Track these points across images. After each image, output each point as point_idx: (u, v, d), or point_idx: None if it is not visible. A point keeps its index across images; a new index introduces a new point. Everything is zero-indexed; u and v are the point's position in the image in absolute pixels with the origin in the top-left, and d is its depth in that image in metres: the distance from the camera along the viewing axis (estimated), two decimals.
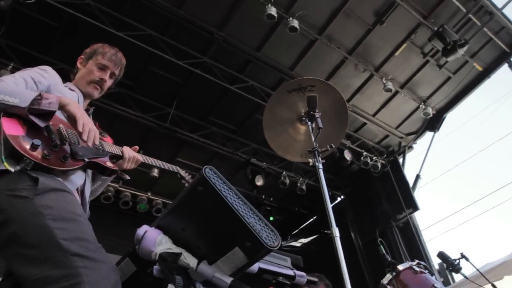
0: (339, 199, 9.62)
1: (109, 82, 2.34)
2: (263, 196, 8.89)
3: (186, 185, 2.68)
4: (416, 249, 7.74)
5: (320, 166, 2.94)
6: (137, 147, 2.32)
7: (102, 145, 2.05)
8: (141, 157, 2.29)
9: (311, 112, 2.99)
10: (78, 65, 2.36)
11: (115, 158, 2.15)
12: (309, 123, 3.01)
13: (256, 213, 1.62)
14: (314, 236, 9.78)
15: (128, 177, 2.41)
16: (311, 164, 3.02)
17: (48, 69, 2.08)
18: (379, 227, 8.02)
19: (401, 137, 8.67)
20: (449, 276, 7.11)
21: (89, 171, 2.06)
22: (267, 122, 3.27)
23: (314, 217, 9.87)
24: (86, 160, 1.86)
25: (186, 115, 7.64)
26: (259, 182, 7.75)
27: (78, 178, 1.88)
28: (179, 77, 7.11)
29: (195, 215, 1.68)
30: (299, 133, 3.26)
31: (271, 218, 8.85)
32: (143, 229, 1.79)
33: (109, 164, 2.03)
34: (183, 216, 1.71)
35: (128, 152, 2.19)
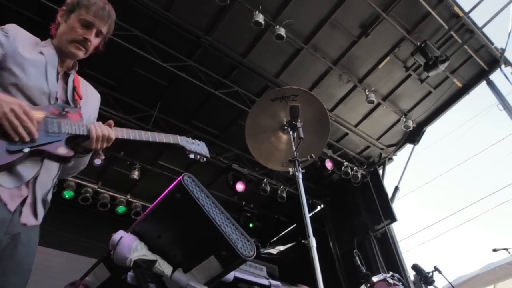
0: (319, 207, 9.68)
1: (95, 42, 1.99)
2: (244, 203, 8.88)
3: (199, 158, 2.40)
4: (393, 260, 7.83)
5: (300, 176, 2.96)
6: (111, 121, 1.93)
7: (59, 125, 1.74)
8: (114, 133, 1.87)
9: (293, 122, 3.01)
10: (59, 18, 1.99)
11: (80, 138, 1.82)
12: (291, 132, 3.03)
13: (233, 222, 1.62)
14: (291, 244, 9.80)
15: (102, 156, 2.30)
16: (291, 173, 3.04)
17: (10, 30, 1.82)
18: (357, 237, 8.10)
19: (382, 149, 8.79)
20: None
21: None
22: (249, 129, 3.27)
23: (294, 225, 9.90)
24: (25, 151, 1.60)
25: (170, 118, 7.59)
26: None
27: (27, 171, 1.63)
28: (164, 79, 7.07)
29: (172, 222, 1.68)
30: (281, 142, 3.27)
31: (251, 225, 8.84)
32: (119, 234, 1.77)
33: (61, 151, 1.72)
34: (160, 223, 1.70)
35: (97, 130, 1.80)
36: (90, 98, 2.12)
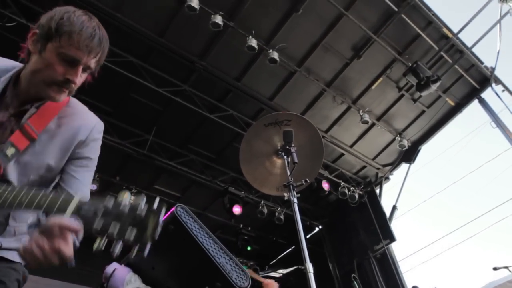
0: (317, 229, 9.62)
1: (81, 79, 1.51)
2: (241, 226, 8.82)
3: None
4: (393, 280, 7.75)
5: (295, 200, 2.96)
6: (76, 228, 1.19)
7: None
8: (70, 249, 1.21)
9: (287, 147, 3.03)
10: (30, 46, 1.47)
11: None
12: (285, 157, 3.05)
13: (227, 252, 1.62)
14: (293, 268, 9.69)
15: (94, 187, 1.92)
16: (286, 198, 3.04)
17: None
18: (356, 258, 8.03)
19: (378, 168, 8.81)
20: None
21: None
22: (243, 154, 3.29)
23: (292, 247, 9.81)
24: None
25: (165, 142, 7.61)
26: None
27: None
28: (159, 104, 7.12)
29: (166, 254, 1.66)
30: (275, 166, 3.28)
31: (249, 248, 8.75)
32: (112, 267, 1.76)
33: None
34: (153, 255, 1.69)
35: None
36: (61, 134, 1.54)
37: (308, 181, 2.99)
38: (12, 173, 1.41)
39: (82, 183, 1.58)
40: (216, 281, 1.57)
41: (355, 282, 2.98)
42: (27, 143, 1.44)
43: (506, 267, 5.39)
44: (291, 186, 2.84)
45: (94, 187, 6.73)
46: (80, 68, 1.45)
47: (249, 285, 1.59)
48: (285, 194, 3.01)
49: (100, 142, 1.71)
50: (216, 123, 7.09)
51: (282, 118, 3.18)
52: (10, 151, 1.40)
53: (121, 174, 7.90)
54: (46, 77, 1.42)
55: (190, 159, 7.82)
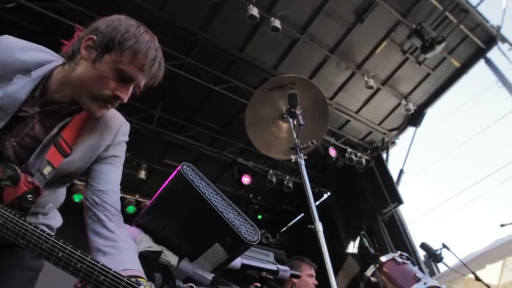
0: (325, 196, 9.72)
1: (126, 97, 1.44)
2: (251, 195, 8.95)
3: None
4: (402, 242, 7.86)
5: (303, 162, 3.00)
6: None
7: None
8: None
9: (292, 109, 3.05)
10: (83, 51, 1.37)
11: None
12: (291, 120, 3.07)
13: (235, 208, 1.67)
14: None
15: None
16: (293, 160, 3.08)
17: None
18: (365, 222, 8.14)
19: (384, 133, 8.80)
20: (434, 267, 7.26)
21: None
22: (249, 120, 3.31)
23: (302, 214, 9.95)
24: None
25: (172, 117, 7.65)
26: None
27: None
28: (164, 79, 7.02)
29: (175, 213, 1.72)
30: (282, 130, 3.30)
31: (259, 217, 8.92)
32: None
33: None
34: (163, 214, 1.74)
35: None
36: (89, 141, 1.52)
37: (315, 142, 3.02)
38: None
39: (110, 179, 1.56)
40: (226, 237, 1.62)
41: (364, 239, 3.04)
42: (61, 159, 1.41)
43: None
44: (298, 149, 2.88)
45: None
46: (132, 86, 1.41)
47: (258, 240, 1.64)
48: (292, 157, 3.06)
49: (125, 144, 1.70)
50: (221, 95, 7.09)
51: (286, 81, 3.19)
52: (47, 170, 1.37)
53: (131, 151, 7.97)
54: (94, 89, 1.35)
55: (197, 132, 7.87)
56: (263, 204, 9.08)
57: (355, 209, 8.67)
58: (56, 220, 1.74)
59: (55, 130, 1.42)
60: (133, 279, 1.15)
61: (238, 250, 1.66)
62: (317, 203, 9.67)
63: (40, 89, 1.41)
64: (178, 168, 1.65)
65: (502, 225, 5.58)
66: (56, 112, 1.44)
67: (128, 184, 8.41)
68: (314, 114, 3.30)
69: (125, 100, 1.42)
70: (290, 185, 8.42)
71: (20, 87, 1.37)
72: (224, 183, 8.36)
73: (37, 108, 1.41)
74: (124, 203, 8.58)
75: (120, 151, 1.66)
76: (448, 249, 3.33)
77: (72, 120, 1.45)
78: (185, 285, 1.11)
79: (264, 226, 9.74)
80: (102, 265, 1.11)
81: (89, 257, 1.13)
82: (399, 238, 7.87)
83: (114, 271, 1.11)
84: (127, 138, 1.71)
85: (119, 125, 1.65)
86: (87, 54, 1.36)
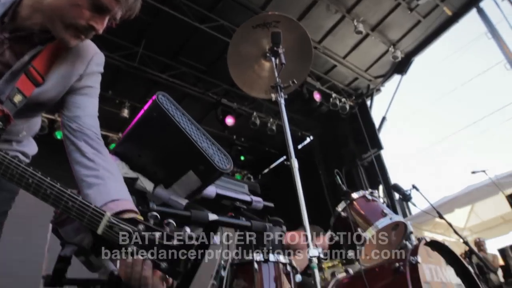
0: (308, 139, 9.86)
1: (101, 28, 1.38)
2: (234, 137, 9.03)
3: None
4: (379, 186, 8.14)
5: (282, 101, 3.02)
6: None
7: None
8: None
9: (275, 48, 3.01)
10: None
11: None
12: (273, 59, 3.04)
13: (209, 138, 1.70)
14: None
15: None
16: (273, 99, 3.10)
17: None
18: (345, 166, 8.34)
19: (370, 80, 8.81)
20: (407, 210, 7.61)
21: None
22: (232, 58, 3.26)
23: (284, 157, 10.13)
24: None
25: (155, 55, 7.48)
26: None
27: None
28: (147, 14, 6.85)
29: (150, 141, 1.75)
30: (264, 69, 3.27)
31: (242, 158, 9.06)
32: None
33: None
34: (139, 143, 1.77)
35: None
36: (61, 70, 1.47)
37: (296, 82, 3.02)
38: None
39: (86, 107, 1.53)
40: (200, 164, 1.67)
41: (338, 177, 3.14)
42: (33, 88, 1.38)
43: (484, 171, 5.67)
44: (278, 87, 2.88)
45: None
46: (107, 17, 1.35)
47: (231, 168, 1.69)
48: (273, 95, 3.07)
49: (99, 75, 1.63)
50: (207, 34, 6.92)
51: (270, 19, 3.11)
52: (17, 98, 1.34)
53: (113, 88, 7.85)
54: (68, 17, 1.29)
55: (182, 72, 7.75)
56: (246, 145, 9.19)
57: (336, 153, 8.85)
58: (31, 147, 1.75)
59: (26, 58, 1.38)
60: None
61: (211, 178, 1.72)
62: (300, 146, 9.83)
63: (10, 14, 1.35)
64: (153, 97, 1.66)
65: (473, 172, 5.81)
66: (27, 39, 1.39)
67: (111, 122, 8.37)
68: (297, 54, 3.26)
69: (100, 31, 1.36)
70: (274, 127, 8.50)
71: None
72: (208, 124, 8.36)
73: (6, 34, 1.36)
74: (107, 141, 8.56)
75: (94, 82, 1.60)
76: (417, 189, 3.46)
77: (44, 49, 1.41)
78: (165, 221, 1.13)
79: (246, 167, 9.93)
80: (71, 191, 1.14)
81: (59, 184, 1.15)
82: (377, 182, 8.13)
83: (82, 199, 1.14)
84: (101, 69, 1.64)
85: (92, 55, 1.58)
86: None
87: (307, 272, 3.23)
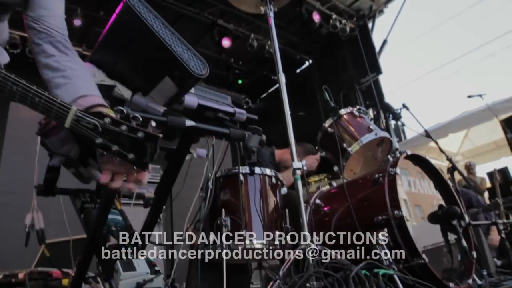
0: (307, 63, 9.67)
1: None
2: (232, 60, 8.86)
3: None
4: (377, 112, 8.13)
5: (271, 14, 2.94)
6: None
7: None
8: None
9: None
10: None
11: None
12: None
13: (184, 43, 1.67)
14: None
15: None
16: (262, 12, 3.01)
17: None
18: (343, 90, 8.24)
19: (373, 0, 8.42)
20: (402, 135, 7.69)
21: None
22: None
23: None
24: None
25: None
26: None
27: None
28: None
29: (125, 48, 1.72)
30: None
31: (240, 82, 8.96)
32: None
33: None
34: (114, 49, 1.75)
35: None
36: None
37: None
38: None
39: (51, 7, 1.47)
40: (175, 70, 1.65)
41: (325, 93, 3.15)
42: None
43: (480, 95, 5.63)
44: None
45: (79, 22, 6.53)
46: None
47: (207, 74, 1.68)
48: (262, 9, 2.98)
49: None
50: None
51: None
52: None
53: (104, 8, 7.56)
54: None
55: None
56: (244, 69, 9.04)
57: (335, 78, 8.71)
58: (2, 56, 1.73)
59: None
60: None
61: (187, 84, 1.71)
62: (298, 70, 9.69)
63: None
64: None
65: (469, 96, 5.77)
66: None
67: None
68: None
69: None
70: (272, 50, 8.29)
71: None
72: (204, 47, 8.16)
73: None
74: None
75: None
76: (407, 109, 3.47)
77: None
78: (131, 114, 1.15)
79: (244, 91, 9.86)
80: (36, 87, 1.14)
81: (24, 81, 1.15)
82: (373, 106, 8.08)
83: (48, 95, 1.14)
84: None
85: None
86: None
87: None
